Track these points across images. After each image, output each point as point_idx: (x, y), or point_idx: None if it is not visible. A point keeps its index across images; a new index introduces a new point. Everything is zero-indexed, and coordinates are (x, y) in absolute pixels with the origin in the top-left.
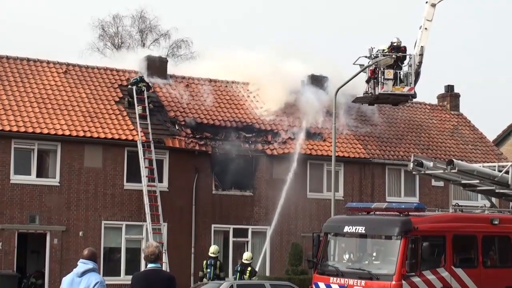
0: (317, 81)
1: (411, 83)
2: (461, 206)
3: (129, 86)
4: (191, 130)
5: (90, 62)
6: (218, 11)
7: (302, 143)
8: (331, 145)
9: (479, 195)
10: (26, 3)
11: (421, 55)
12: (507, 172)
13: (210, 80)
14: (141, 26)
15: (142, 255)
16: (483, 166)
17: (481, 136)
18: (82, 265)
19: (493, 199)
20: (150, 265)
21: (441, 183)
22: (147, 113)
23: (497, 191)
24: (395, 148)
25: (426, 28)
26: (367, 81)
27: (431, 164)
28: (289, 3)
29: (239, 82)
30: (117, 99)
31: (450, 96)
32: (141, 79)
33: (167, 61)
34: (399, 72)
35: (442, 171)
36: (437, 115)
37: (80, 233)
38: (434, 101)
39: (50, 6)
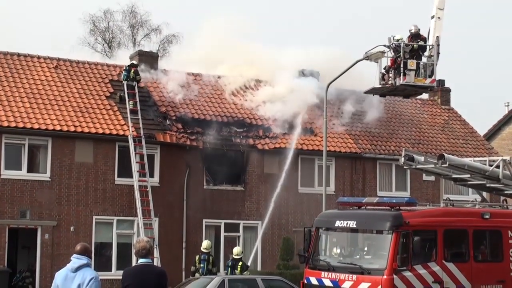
0: (309, 75)
1: (430, 75)
2: (452, 200)
3: (123, 82)
4: (182, 125)
5: (81, 57)
6: (210, 5)
7: (296, 138)
8: (322, 140)
9: (470, 189)
10: None
11: (438, 45)
12: (497, 167)
13: (202, 75)
14: (132, 21)
15: (133, 251)
16: (474, 161)
17: (472, 131)
18: (76, 260)
19: (484, 194)
20: (141, 260)
21: (432, 178)
22: (138, 108)
23: (488, 185)
24: (386, 143)
25: (439, 18)
26: (387, 71)
27: (422, 158)
28: None
29: (231, 76)
30: (108, 94)
31: (441, 90)
32: (128, 69)
33: (158, 56)
34: (421, 63)
35: (433, 165)
36: (428, 109)
37: (71, 228)
38: (425, 96)
39: (40, 1)
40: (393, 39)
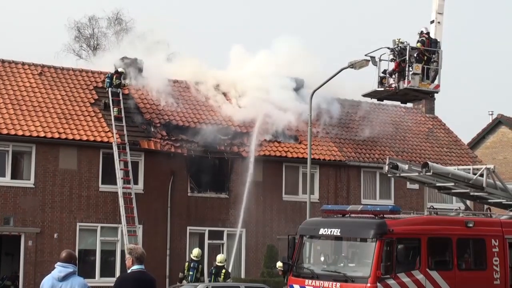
0: (294, 83)
1: (432, 80)
2: (436, 208)
3: (106, 89)
4: (167, 132)
5: (66, 63)
6: (196, 11)
7: (274, 145)
8: (307, 148)
9: (454, 197)
10: (0, 4)
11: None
12: (481, 175)
13: (186, 82)
14: (117, 28)
15: (131, 257)
16: (458, 169)
17: (456, 139)
18: (62, 269)
19: (468, 202)
20: (137, 267)
21: (416, 186)
22: (123, 115)
23: (471, 194)
24: (371, 150)
25: (439, 22)
26: (390, 74)
27: (406, 166)
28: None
29: (216, 84)
30: (93, 101)
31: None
32: (111, 76)
33: (142, 63)
34: (426, 67)
35: (417, 173)
36: (412, 118)
37: (55, 235)
38: (409, 104)
39: (25, 7)
40: (399, 41)
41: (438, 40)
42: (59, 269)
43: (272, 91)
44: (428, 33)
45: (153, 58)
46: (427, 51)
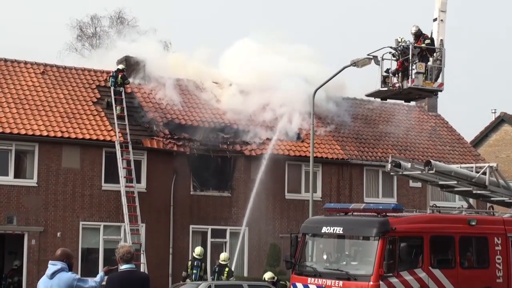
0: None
1: (435, 78)
2: (439, 207)
3: (111, 88)
4: (169, 130)
5: (68, 62)
6: (197, 9)
7: (276, 143)
8: (309, 146)
9: (457, 196)
10: (3, 3)
11: (444, 48)
12: (484, 173)
13: (188, 80)
14: (119, 27)
15: (116, 256)
16: (461, 167)
17: (458, 137)
18: (51, 266)
19: (471, 200)
20: (125, 266)
21: (418, 184)
22: (125, 113)
23: (474, 192)
24: (373, 149)
25: (442, 20)
26: (394, 74)
27: (408, 165)
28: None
29: (218, 82)
30: (95, 100)
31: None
32: (115, 75)
33: (145, 61)
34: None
35: (419, 172)
36: (415, 116)
37: (58, 234)
38: (412, 102)
39: (28, 6)
40: (401, 40)
41: (441, 38)
42: (49, 267)
43: (274, 89)
44: (418, 31)
45: (156, 56)
46: (428, 50)
